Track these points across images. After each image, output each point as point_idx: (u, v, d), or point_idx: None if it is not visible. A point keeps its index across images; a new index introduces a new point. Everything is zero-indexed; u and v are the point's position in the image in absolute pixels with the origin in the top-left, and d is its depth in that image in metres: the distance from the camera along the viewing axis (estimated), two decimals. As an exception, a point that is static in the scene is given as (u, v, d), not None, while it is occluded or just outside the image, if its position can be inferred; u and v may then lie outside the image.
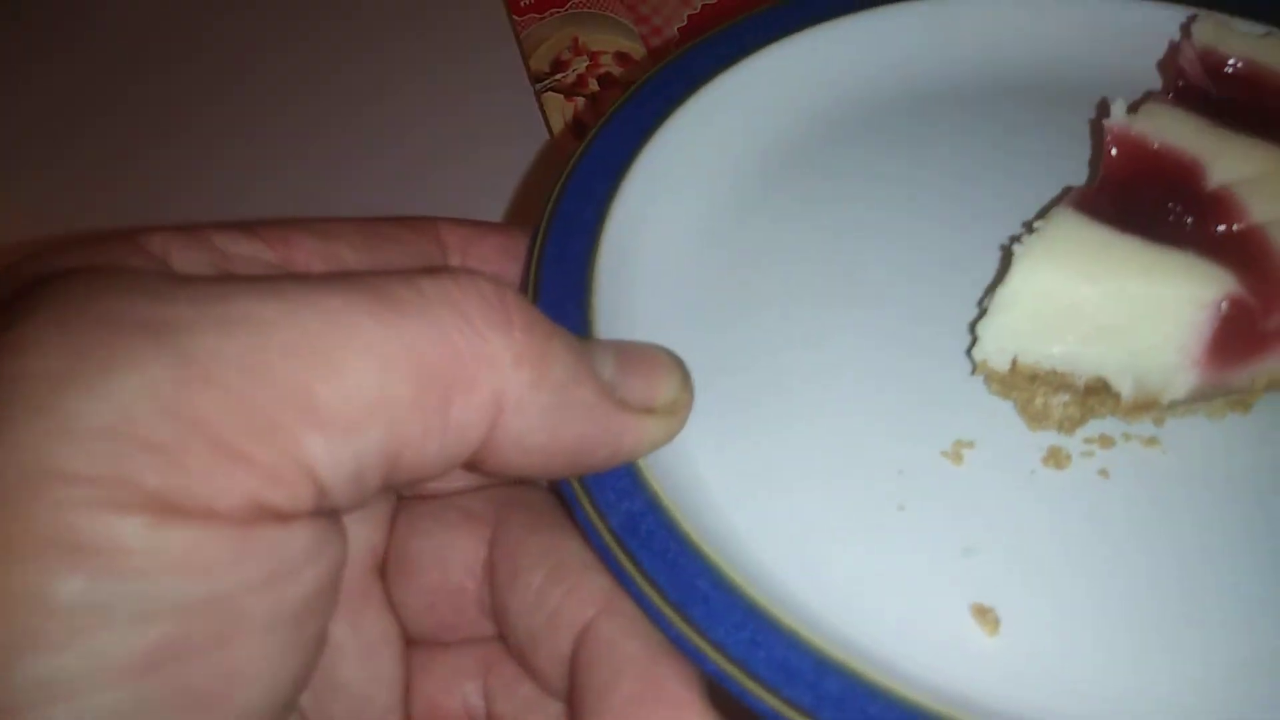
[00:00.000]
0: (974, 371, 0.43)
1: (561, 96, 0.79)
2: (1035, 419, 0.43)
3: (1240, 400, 0.43)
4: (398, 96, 0.84)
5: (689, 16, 0.82)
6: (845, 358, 0.44)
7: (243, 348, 0.28)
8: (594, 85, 0.79)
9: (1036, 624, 0.38)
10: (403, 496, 0.40)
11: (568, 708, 0.37)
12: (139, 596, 0.26)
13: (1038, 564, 0.40)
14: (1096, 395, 0.43)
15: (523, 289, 0.42)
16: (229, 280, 0.30)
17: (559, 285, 0.42)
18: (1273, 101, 0.46)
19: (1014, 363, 0.42)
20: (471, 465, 0.33)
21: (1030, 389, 0.43)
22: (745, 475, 0.41)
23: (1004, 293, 0.41)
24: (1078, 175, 0.48)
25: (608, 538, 0.36)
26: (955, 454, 0.42)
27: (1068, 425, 0.43)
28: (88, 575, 0.25)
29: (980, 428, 0.43)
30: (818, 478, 0.41)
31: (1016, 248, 0.41)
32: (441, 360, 0.30)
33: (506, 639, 0.39)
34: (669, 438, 0.38)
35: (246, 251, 0.37)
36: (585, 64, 0.80)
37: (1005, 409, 0.43)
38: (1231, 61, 0.47)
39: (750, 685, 0.34)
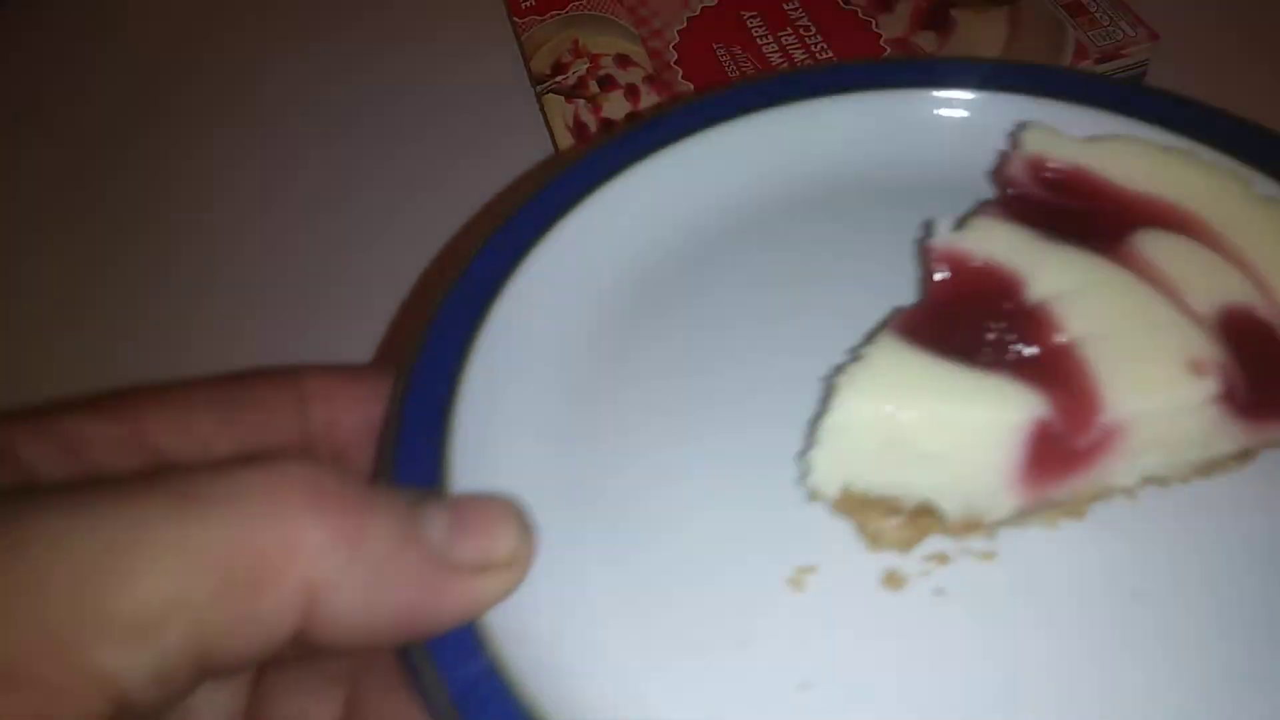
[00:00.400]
0: (810, 500, 0.44)
1: (562, 98, 0.79)
2: (873, 540, 0.44)
3: (1072, 509, 0.44)
4: (399, 98, 0.86)
5: (689, 19, 0.83)
6: (692, 492, 0.45)
7: (28, 570, 0.28)
8: (594, 87, 0.80)
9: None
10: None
11: None
12: None
13: (873, 695, 0.40)
14: (926, 516, 0.43)
15: (383, 435, 0.43)
16: (18, 497, 0.31)
17: (416, 432, 0.43)
18: (1102, 207, 0.46)
19: (845, 490, 0.43)
20: (299, 643, 0.33)
21: (865, 512, 0.43)
22: (588, 617, 0.42)
23: (826, 424, 0.42)
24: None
25: (445, 709, 0.37)
26: (797, 581, 0.43)
27: (904, 545, 0.43)
28: None
29: (822, 552, 0.44)
30: (661, 618, 0.42)
31: (838, 377, 0.42)
32: (243, 554, 0.31)
33: None
34: (508, 592, 0.38)
35: (98, 433, 0.38)
36: (586, 66, 0.81)
37: (847, 529, 0.44)
38: (1059, 168, 0.47)
39: None
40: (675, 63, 0.80)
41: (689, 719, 0.39)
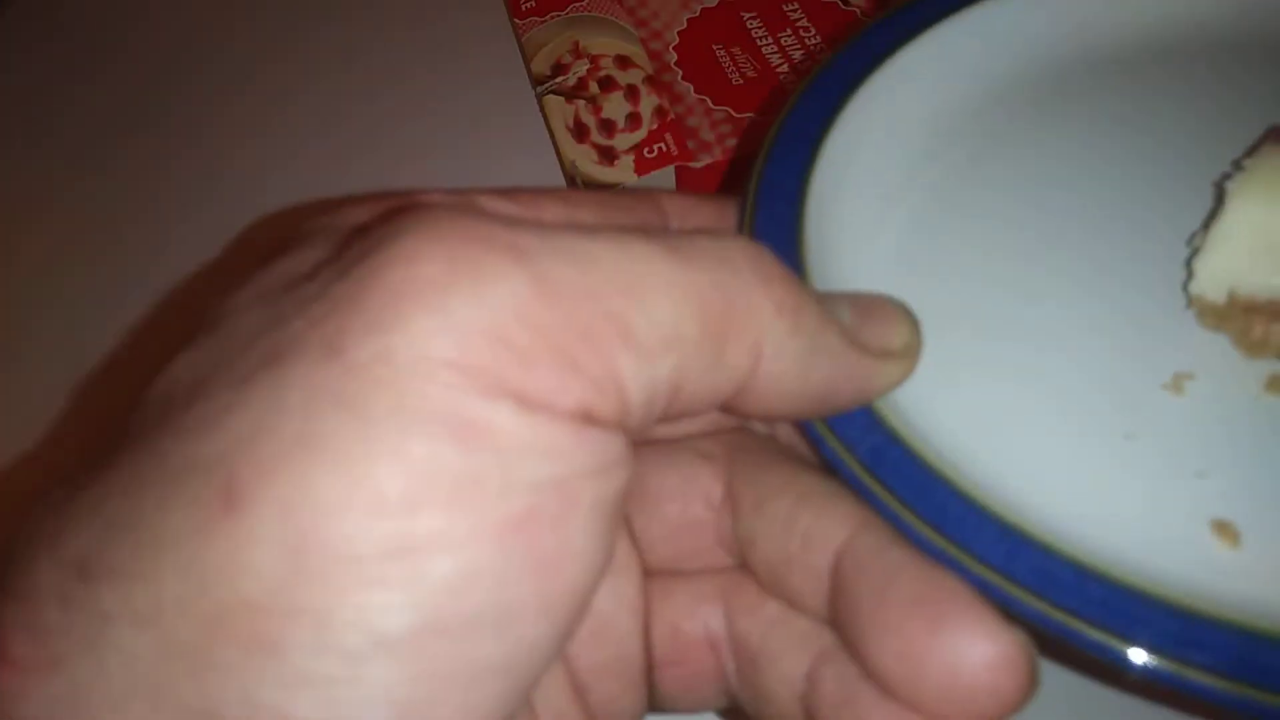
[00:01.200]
0: (1189, 306, 0.45)
1: (562, 99, 0.80)
2: (1254, 349, 0.44)
3: None
4: (398, 98, 0.86)
5: (688, 20, 0.84)
6: (1054, 299, 0.46)
7: (578, 274, 0.31)
8: (594, 88, 0.80)
9: (1278, 535, 0.40)
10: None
11: (832, 620, 0.39)
12: (506, 470, 0.29)
13: (1272, 482, 0.41)
14: None
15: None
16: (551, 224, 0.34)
17: (772, 244, 0.43)
18: None
19: (1230, 296, 0.44)
20: (728, 406, 0.36)
21: (1247, 320, 0.44)
22: (969, 415, 0.42)
23: (1219, 228, 0.43)
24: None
25: (857, 468, 0.38)
26: (1176, 386, 0.43)
27: None
28: (468, 448, 0.28)
29: (1197, 360, 0.44)
30: (1041, 414, 0.43)
31: (1228, 184, 0.43)
32: (720, 306, 0.33)
33: (752, 563, 0.41)
34: (904, 379, 0.40)
35: (507, 211, 0.39)
36: (586, 67, 0.81)
37: (1220, 342, 0.45)
38: None
39: (1016, 593, 0.36)
40: (675, 64, 0.81)
41: (1087, 500, 0.40)
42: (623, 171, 0.76)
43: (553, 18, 0.84)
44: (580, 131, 0.77)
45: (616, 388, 0.31)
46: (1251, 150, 0.46)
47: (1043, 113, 0.53)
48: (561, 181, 0.78)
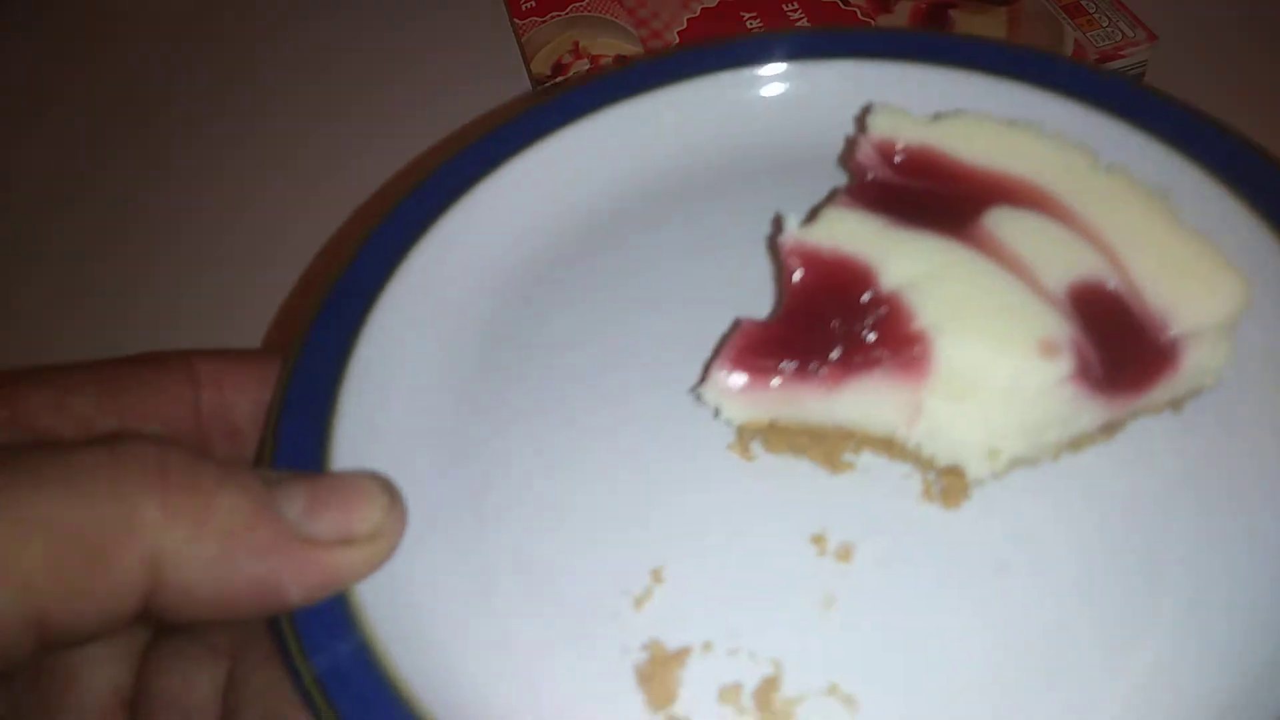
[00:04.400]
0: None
1: (564, 100, 0.80)
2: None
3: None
4: (400, 99, 0.87)
5: (688, 20, 0.82)
6: (562, 479, 0.46)
7: None
8: (595, 88, 0.80)
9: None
10: (157, 630, 0.42)
11: None
12: None
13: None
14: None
15: (267, 419, 0.44)
16: None
17: (300, 412, 0.44)
18: (953, 187, 0.45)
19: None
20: (151, 616, 0.34)
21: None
22: (469, 596, 0.42)
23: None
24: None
25: (309, 684, 0.37)
26: (656, 574, 0.43)
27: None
28: None
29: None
30: (539, 601, 0.43)
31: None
32: (82, 528, 0.32)
33: None
34: (374, 565, 0.39)
35: None
36: (586, 67, 0.81)
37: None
38: (908, 150, 0.46)
39: None
40: (675, 62, 0.80)
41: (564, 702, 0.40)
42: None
43: (553, 18, 0.84)
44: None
45: None
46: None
47: (571, 272, 0.53)
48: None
